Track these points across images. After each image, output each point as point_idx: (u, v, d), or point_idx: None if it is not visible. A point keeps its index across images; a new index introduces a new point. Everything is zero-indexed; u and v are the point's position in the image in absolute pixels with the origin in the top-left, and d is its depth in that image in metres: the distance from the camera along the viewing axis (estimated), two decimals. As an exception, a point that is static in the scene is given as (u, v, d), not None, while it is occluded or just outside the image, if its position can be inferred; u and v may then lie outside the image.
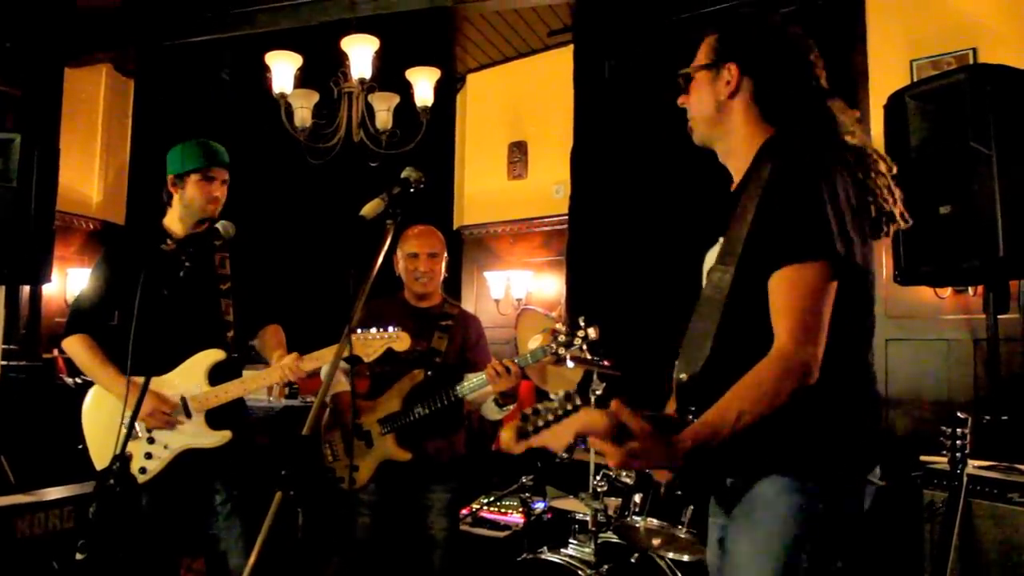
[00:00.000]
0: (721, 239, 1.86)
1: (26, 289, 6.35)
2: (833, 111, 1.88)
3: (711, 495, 1.99)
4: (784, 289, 1.66)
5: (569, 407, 1.50)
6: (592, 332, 2.99)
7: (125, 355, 2.82)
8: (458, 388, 3.29)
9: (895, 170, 1.90)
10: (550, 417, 1.50)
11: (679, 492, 1.85)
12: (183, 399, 3.01)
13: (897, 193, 1.89)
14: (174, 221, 3.19)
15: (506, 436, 1.51)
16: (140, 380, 2.67)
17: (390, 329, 3.09)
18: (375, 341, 3.07)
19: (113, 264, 3.14)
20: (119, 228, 7.23)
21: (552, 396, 1.53)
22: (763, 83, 1.90)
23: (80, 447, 3.10)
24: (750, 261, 1.73)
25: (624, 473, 3.46)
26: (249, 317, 3.24)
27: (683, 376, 1.82)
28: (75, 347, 3.08)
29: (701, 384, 1.75)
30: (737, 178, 1.93)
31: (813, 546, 1.71)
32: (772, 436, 1.68)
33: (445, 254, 3.60)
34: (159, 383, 2.98)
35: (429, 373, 3.38)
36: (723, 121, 1.94)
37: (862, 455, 1.79)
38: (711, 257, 1.92)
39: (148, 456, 3.00)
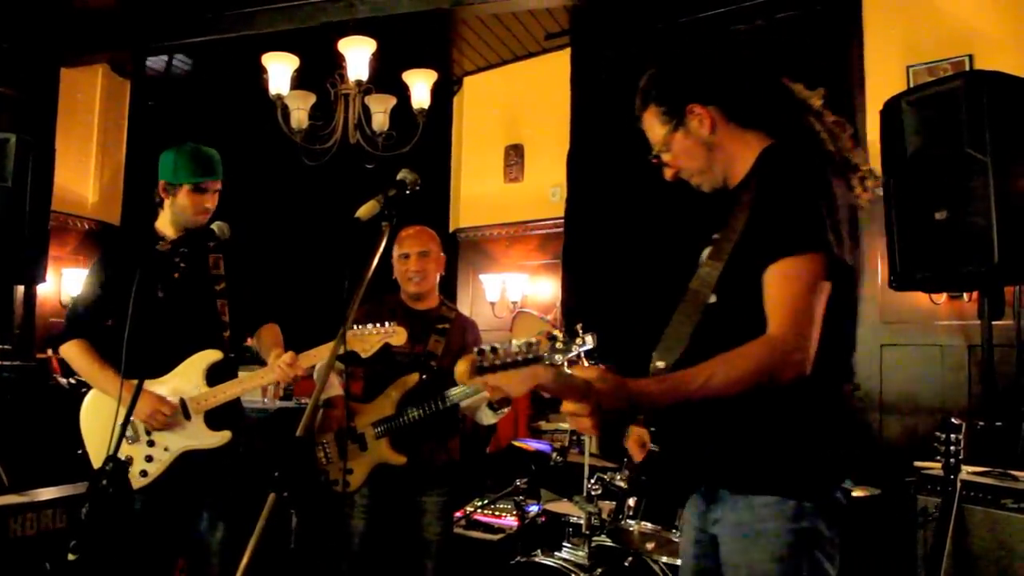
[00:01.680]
0: (714, 237, 1.91)
1: (20, 289, 6.34)
2: (790, 92, 1.96)
3: (685, 498, 2.02)
4: (778, 280, 1.69)
5: (530, 355, 1.49)
6: (590, 339, 2.98)
7: (129, 357, 2.81)
8: (449, 394, 3.28)
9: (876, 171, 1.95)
10: (508, 360, 1.48)
11: (643, 479, 1.87)
12: (182, 400, 3.01)
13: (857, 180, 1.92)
14: (166, 224, 3.17)
15: (460, 368, 1.46)
16: (134, 382, 2.67)
17: (386, 324, 3.09)
18: (371, 336, 3.07)
19: (108, 267, 3.13)
20: (115, 228, 7.23)
21: (513, 341, 1.51)
22: (724, 102, 1.96)
23: (80, 452, 3.10)
24: (740, 256, 1.79)
25: (619, 476, 3.46)
26: (245, 317, 3.23)
27: (660, 364, 1.86)
28: (72, 352, 3.07)
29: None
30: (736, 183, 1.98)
31: (810, 560, 1.75)
32: (753, 447, 1.77)
33: (440, 254, 3.58)
34: (157, 385, 2.98)
35: (424, 376, 3.38)
36: (719, 156, 1.98)
37: (842, 467, 1.82)
38: (704, 256, 1.96)
39: (149, 459, 3.00)
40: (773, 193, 1.77)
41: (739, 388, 1.62)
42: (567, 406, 1.62)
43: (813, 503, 1.75)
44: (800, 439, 1.77)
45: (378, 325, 3.09)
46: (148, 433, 3.00)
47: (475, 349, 1.49)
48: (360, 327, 3.07)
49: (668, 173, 2.06)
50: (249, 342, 3.35)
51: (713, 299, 1.83)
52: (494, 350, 1.48)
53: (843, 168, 1.88)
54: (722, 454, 1.80)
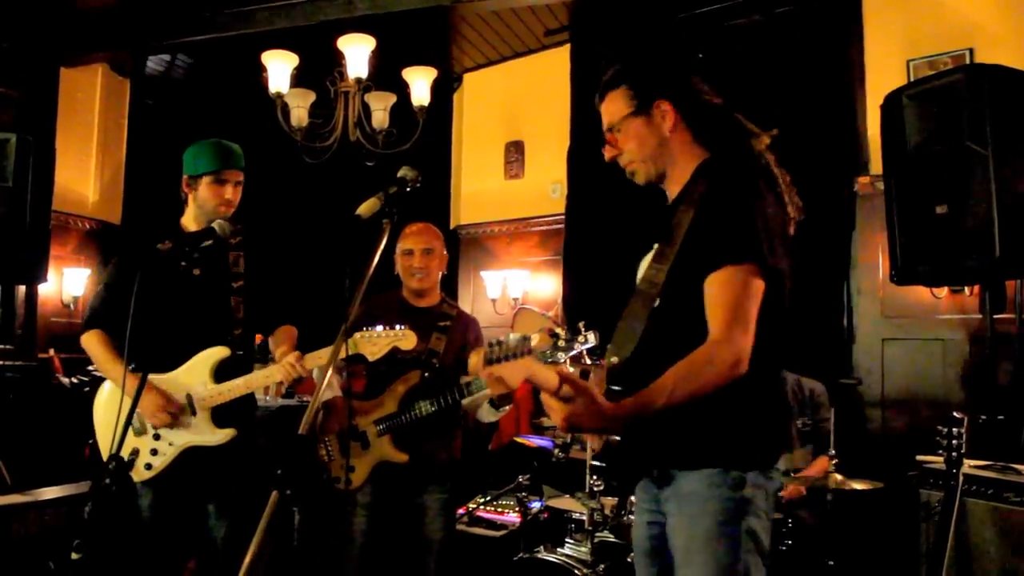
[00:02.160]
0: (656, 245, 2.09)
1: (22, 289, 6.33)
2: (742, 123, 2.11)
3: (636, 482, 2.16)
4: (718, 287, 1.87)
5: (523, 349, 1.75)
6: (592, 336, 2.98)
7: (137, 352, 2.84)
8: (473, 384, 3.26)
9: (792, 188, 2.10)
10: (508, 352, 1.76)
11: (606, 468, 2.08)
12: (188, 396, 3.02)
13: (793, 208, 2.08)
14: (190, 221, 3.20)
15: (474, 360, 1.77)
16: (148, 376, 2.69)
17: (396, 327, 3.07)
18: (381, 340, 3.05)
19: (128, 262, 3.14)
20: (115, 228, 7.22)
21: (510, 335, 1.78)
22: (688, 108, 2.12)
23: (91, 441, 3.12)
24: (684, 262, 1.96)
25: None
26: (260, 316, 3.24)
27: (614, 359, 2.01)
28: (89, 342, 3.12)
29: (629, 367, 1.95)
30: (673, 194, 2.15)
31: (748, 525, 1.92)
32: (699, 430, 1.91)
33: (444, 252, 3.58)
34: (165, 380, 3.01)
35: (426, 375, 3.38)
36: (665, 154, 2.14)
37: (777, 443, 2.04)
38: (646, 261, 2.14)
39: (154, 452, 3.03)
40: (714, 206, 1.95)
41: (696, 396, 1.78)
42: (546, 397, 1.79)
43: (752, 475, 1.93)
44: (739, 419, 1.93)
45: (387, 328, 3.07)
46: (154, 427, 3.02)
47: (486, 342, 1.79)
48: (369, 330, 3.05)
49: (609, 154, 2.20)
50: (259, 339, 3.34)
51: (659, 300, 2.00)
52: (499, 343, 1.77)
53: (777, 184, 2.04)
54: (673, 438, 1.93)
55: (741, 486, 1.92)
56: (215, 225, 2.95)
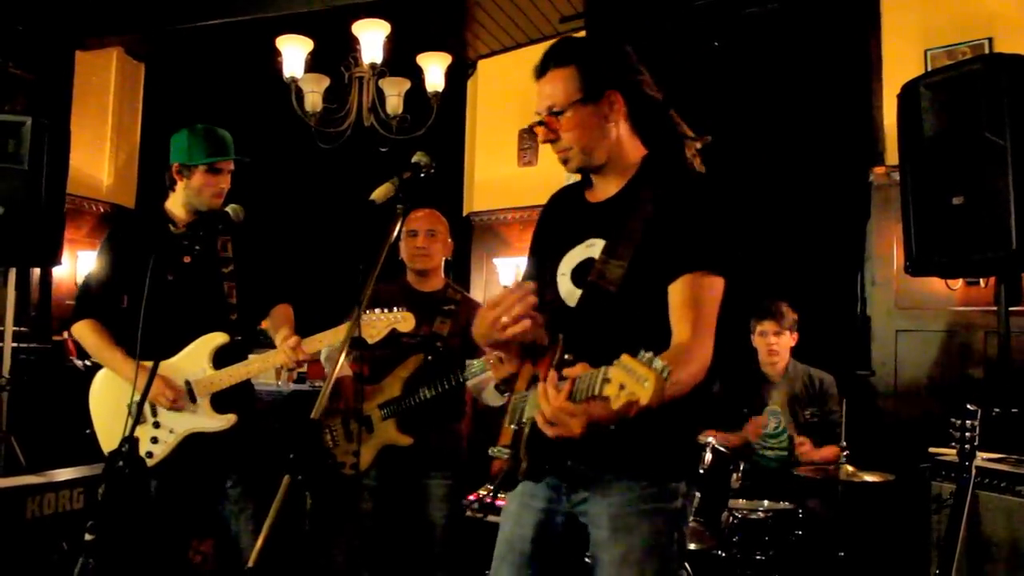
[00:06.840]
0: (598, 241, 2.01)
1: (37, 272, 6.37)
2: (678, 124, 2.09)
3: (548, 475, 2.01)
4: (691, 291, 1.84)
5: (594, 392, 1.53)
6: None
7: (132, 339, 2.83)
8: (471, 366, 3.28)
9: None
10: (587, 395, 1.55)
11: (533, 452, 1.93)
12: (188, 383, 3.02)
13: None
14: (177, 206, 3.17)
15: (555, 396, 1.59)
16: (148, 364, 2.68)
17: (395, 310, 3.09)
18: (379, 322, 3.07)
19: (118, 248, 3.14)
20: (129, 211, 7.25)
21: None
22: (635, 103, 2.04)
23: (88, 431, 3.12)
24: (646, 258, 1.89)
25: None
26: (255, 299, 3.23)
27: (568, 356, 1.90)
28: (83, 332, 3.10)
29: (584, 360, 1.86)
30: (611, 189, 2.09)
31: (680, 535, 1.95)
32: (645, 436, 1.80)
33: (448, 239, 3.59)
34: (164, 367, 2.98)
35: (430, 358, 3.39)
36: (606, 146, 2.05)
37: (699, 451, 2.16)
38: (574, 256, 2.07)
39: (154, 440, 3.02)
40: (684, 210, 1.90)
41: (676, 396, 1.68)
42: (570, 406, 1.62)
43: (683, 485, 1.96)
44: (679, 428, 1.94)
45: (386, 311, 3.08)
46: (154, 415, 3.02)
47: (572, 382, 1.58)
48: (368, 312, 3.06)
49: (544, 137, 2.11)
50: (264, 325, 3.35)
51: (616, 294, 1.91)
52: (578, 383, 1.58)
53: None
54: (617, 440, 1.72)
55: (676, 496, 1.93)
56: (229, 210, 2.96)
